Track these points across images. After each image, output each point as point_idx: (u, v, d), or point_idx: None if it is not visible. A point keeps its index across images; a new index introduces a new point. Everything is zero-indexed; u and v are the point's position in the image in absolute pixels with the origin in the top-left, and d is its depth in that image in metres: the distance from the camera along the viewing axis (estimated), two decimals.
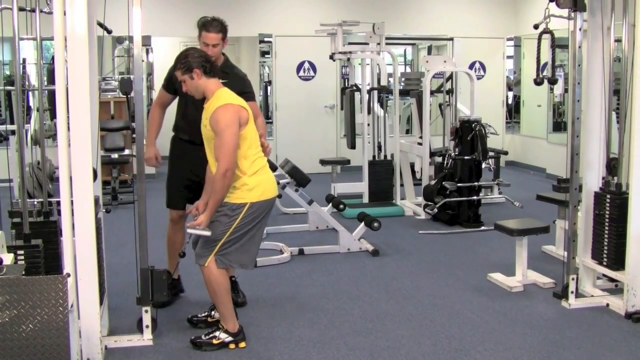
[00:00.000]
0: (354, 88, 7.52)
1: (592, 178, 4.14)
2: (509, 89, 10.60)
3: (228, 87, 3.44)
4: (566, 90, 8.43)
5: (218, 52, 3.83)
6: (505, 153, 8.12)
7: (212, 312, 3.74)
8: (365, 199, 7.00)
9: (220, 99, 3.31)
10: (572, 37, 3.90)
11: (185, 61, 3.31)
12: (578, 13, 3.85)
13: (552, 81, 4.44)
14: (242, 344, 3.48)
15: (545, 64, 4.69)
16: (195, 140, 3.71)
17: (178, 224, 4.05)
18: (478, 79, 8.41)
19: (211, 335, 3.46)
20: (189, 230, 3.32)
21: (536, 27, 4.21)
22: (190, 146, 3.90)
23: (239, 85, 3.77)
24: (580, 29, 3.85)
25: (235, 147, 3.25)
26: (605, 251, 4.01)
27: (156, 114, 4.04)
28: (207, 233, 3.27)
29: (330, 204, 5.95)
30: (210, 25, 3.78)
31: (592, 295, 4.15)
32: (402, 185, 7.16)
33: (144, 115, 3.68)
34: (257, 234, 3.46)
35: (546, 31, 4.14)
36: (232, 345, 3.45)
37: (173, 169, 4.03)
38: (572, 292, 4.02)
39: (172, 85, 3.85)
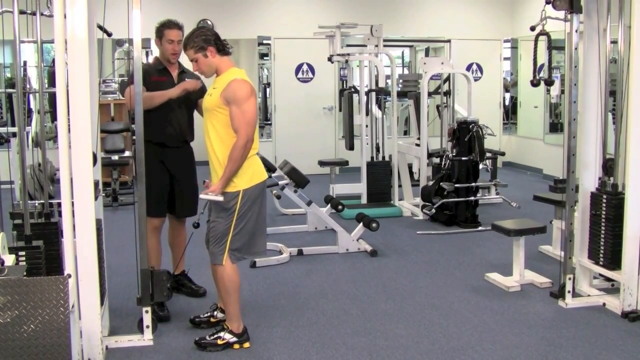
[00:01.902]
0: (352, 90, 7.53)
1: (589, 178, 4.16)
2: (506, 90, 10.64)
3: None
4: (563, 92, 8.44)
5: (181, 50, 3.81)
6: (503, 154, 8.14)
7: (215, 313, 3.75)
8: (364, 200, 7.02)
9: (237, 74, 3.34)
10: (569, 39, 3.93)
11: (199, 40, 3.31)
12: (574, 15, 3.88)
13: (549, 82, 4.46)
14: (247, 344, 3.48)
15: (542, 65, 4.72)
16: (182, 138, 3.98)
17: (159, 231, 4.05)
18: (475, 80, 8.44)
19: (215, 335, 3.47)
20: (202, 196, 3.34)
21: (533, 29, 4.23)
22: (169, 149, 3.94)
23: (196, 78, 3.93)
24: (576, 31, 3.88)
25: (256, 118, 3.28)
26: (602, 251, 4.04)
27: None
28: (220, 198, 3.28)
29: (329, 205, 5.96)
30: (171, 22, 3.94)
31: (589, 295, 4.18)
32: (400, 186, 7.18)
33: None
34: (259, 220, 3.46)
35: (543, 33, 4.16)
36: (236, 346, 3.46)
37: (151, 177, 3.65)
38: (569, 292, 4.04)
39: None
